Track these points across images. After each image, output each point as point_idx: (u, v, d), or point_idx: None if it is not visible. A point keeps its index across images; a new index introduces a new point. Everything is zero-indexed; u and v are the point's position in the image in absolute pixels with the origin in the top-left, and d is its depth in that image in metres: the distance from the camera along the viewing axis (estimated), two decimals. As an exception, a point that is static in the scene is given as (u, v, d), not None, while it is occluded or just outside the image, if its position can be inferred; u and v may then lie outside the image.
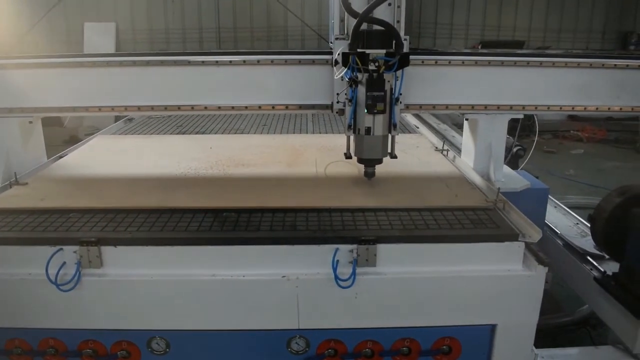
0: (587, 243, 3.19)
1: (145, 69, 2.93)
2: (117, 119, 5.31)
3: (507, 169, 3.41)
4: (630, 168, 9.70)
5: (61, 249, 2.16)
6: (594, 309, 2.99)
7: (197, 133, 4.33)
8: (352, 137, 2.75)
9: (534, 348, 2.35)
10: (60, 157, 3.57)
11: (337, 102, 2.80)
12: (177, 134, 4.32)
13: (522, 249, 2.24)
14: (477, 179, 3.00)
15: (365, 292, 2.21)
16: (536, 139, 5.00)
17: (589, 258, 3.03)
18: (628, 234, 2.55)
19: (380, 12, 2.48)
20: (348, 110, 2.64)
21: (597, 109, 3.05)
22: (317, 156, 3.46)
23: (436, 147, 3.75)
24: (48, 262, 2.13)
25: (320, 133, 4.32)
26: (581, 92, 3.01)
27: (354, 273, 2.15)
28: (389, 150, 2.77)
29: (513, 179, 3.26)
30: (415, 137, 4.14)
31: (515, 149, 4.71)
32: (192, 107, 2.98)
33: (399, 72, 2.57)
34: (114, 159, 3.50)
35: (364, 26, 2.47)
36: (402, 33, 2.52)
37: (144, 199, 2.64)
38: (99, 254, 2.18)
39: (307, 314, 2.23)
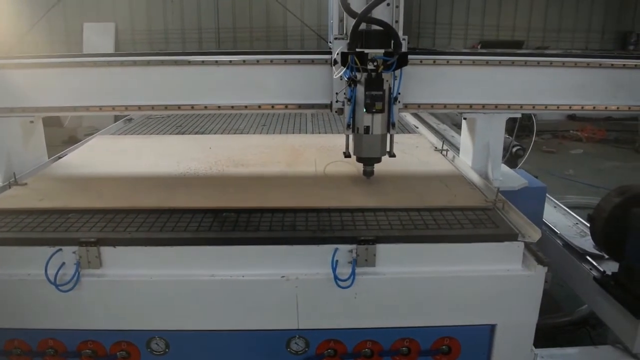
0: (587, 243, 3.19)
1: (146, 68, 2.93)
2: (116, 119, 5.31)
3: (505, 167, 3.42)
4: (629, 168, 9.71)
5: (60, 249, 2.16)
6: (593, 308, 2.99)
7: (196, 133, 4.33)
8: (351, 136, 2.76)
9: (533, 348, 2.35)
10: (60, 157, 3.56)
11: (336, 101, 2.81)
12: (177, 134, 4.32)
13: (522, 249, 2.24)
14: (476, 178, 3.00)
15: (364, 292, 2.21)
16: (534, 138, 5.00)
17: (588, 258, 3.04)
18: (627, 233, 2.56)
19: (379, 12, 2.49)
20: (347, 109, 2.65)
21: (594, 108, 3.07)
22: (317, 156, 3.46)
23: (435, 147, 3.75)
24: (47, 262, 2.13)
25: (319, 133, 4.32)
26: (579, 92, 3.02)
27: (353, 273, 2.15)
28: (388, 149, 2.77)
29: (511, 178, 3.26)
30: (414, 137, 4.14)
31: (514, 149, 4.71)
32: (192, 107, 2.99)
33: (397, 72, 2.59)
34: (113, 159, 3.50)
35: (363, 26, 2.48)
36: (400, 33, 2.53)
37: (143, 199, 2.64)
38: (98, 254, 2.18)
39: (306, 314, 2.23)
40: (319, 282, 2.17)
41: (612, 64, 2.97)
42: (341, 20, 2.69)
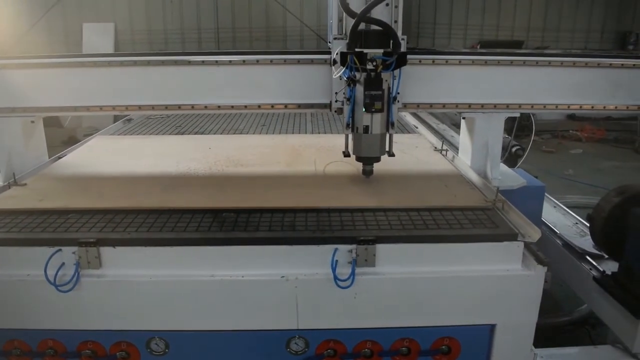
0: (586, 243, 3.19)
1: (146, 68, 2.94)
2: (116, 119, 5.31)
3: (503, 167, 3.43)
4: (629, 168, 9.71)
5: (60, 249, 2.16)
6: (593, 308, 2.99)
7: (196, 133, 4.33)
8: (350, 136, 2.76)
9: (533, 348, 2.35)
10: (59, 157, 3.56)
11: (336, 101, 2.82)
12: (176, 134, 4.32)
13: (521, 249, 2.24)
14: (476, 178, 3.00)
15: (364, 292, 2.21)
16: (533, 137, 5.01)
17: (588, 258, 3.04)
18: (627, 233, 2.56)
19: (378, 12, 2.50)
20: (346, 109, 2.65)
21: (592, 107, 3.07)
22: (316, 156, 3.46)
23: (435, 147, 3.75)
24: (47, 263, 2.13)
25: (319, 133, 4.32)
26: (577, 91, 3.03)
27: (353, 273, 2.15)
28: (387, 149, 2.78)
29: (510, 177, 3.27)
30: (414, 137, 4.14)
31: (514, 149, 4.72)
32: (193, 107, 2.99)
33: (396, 72, 2.60)
34: (113, 159, 3.50)
35: (362, 26, 2.48)
36: (399, 33, 2.54)
37: (143, 200, 2.64)
38: (98, 254, 2.18)
39: (306, 314, 2.23)
40: (319, 282, 2.17)
41: (610, 64, 2.98)
42: (340, 20, 2.70)
